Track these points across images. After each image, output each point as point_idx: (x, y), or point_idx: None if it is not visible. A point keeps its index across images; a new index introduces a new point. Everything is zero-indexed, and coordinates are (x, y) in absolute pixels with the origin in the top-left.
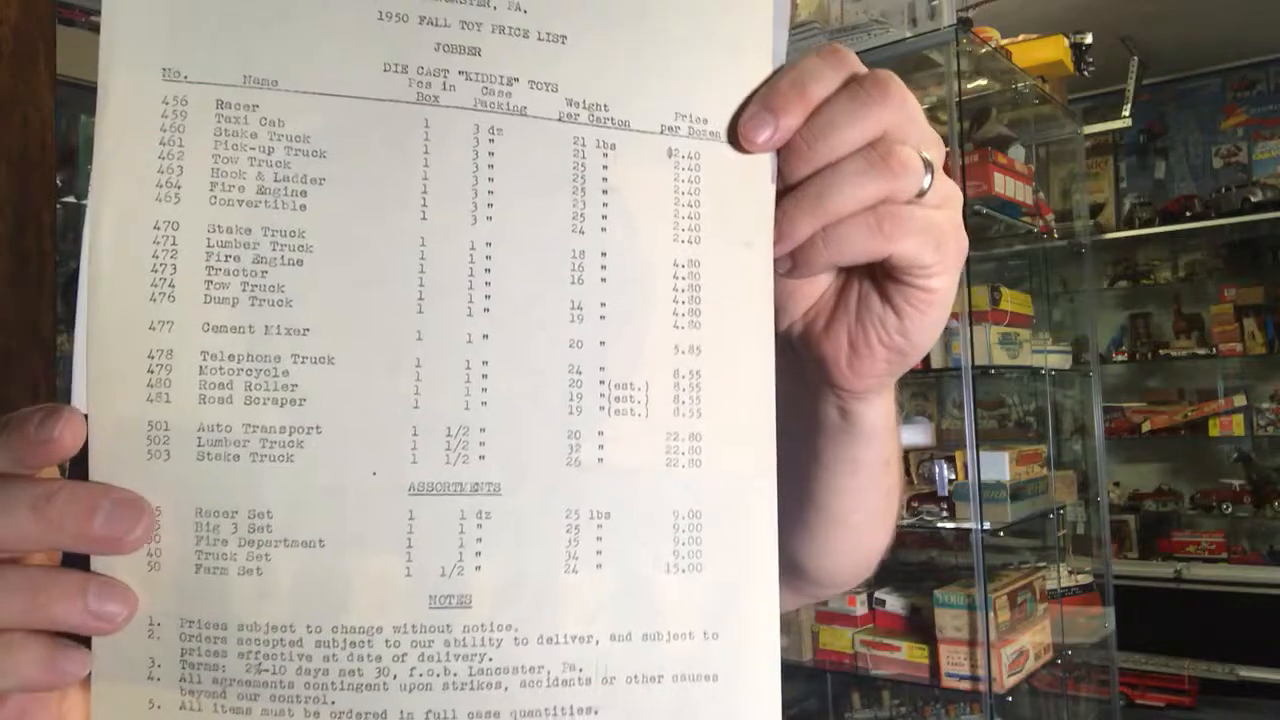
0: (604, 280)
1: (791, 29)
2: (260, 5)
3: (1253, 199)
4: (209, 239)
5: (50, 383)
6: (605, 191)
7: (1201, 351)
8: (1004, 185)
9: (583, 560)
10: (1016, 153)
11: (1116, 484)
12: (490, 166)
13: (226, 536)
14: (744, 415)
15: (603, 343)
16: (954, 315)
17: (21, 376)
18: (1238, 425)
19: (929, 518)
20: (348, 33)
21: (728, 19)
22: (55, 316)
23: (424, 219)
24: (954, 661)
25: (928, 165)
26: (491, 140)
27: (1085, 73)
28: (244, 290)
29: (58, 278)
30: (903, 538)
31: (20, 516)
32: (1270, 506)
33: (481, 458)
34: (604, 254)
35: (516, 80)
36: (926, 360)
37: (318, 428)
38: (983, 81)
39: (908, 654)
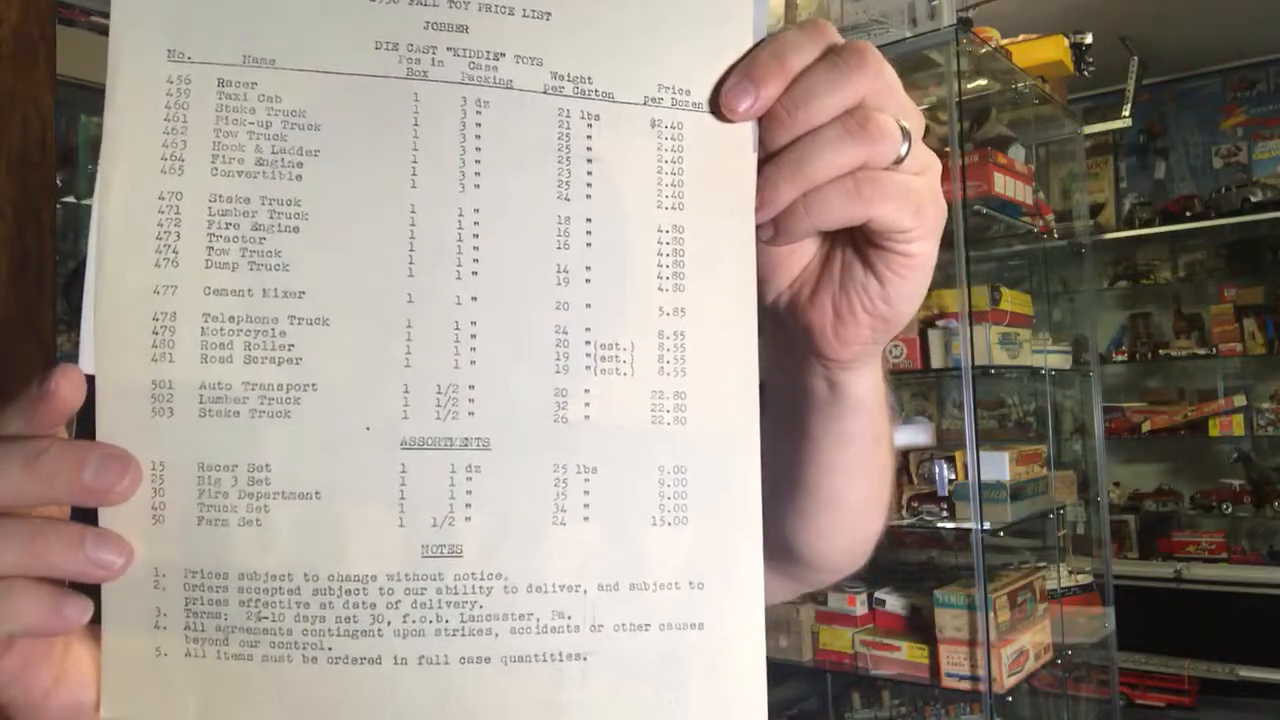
0: (589, 245)
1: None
2: None
3: (1253, 199)
4: (210, 208)
5: None
6: (590, 160)
7: (1201, 351)
8: (1004, 185)
9: (570, 513)
10: (1016, 153)
11: (1116, 484)
12: (478, 137)
13: (227, 489)
14: (727, 374)
15: (588, 305)
16: (954, 315)
17: (21, 376)
18: (1238, 425)
19: (929, 518)
20: (341, 14)
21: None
22: (55, 316)
23: (414, 188)
24: (954, 661)
25: (905, 133)
26: (479, 112)
27: (1085, 73)
28: (243, 256)
29: (58, 277)
30: (903, 538)
31: (14, 472)
32: (1270, 506)
33: (471, 414)
34: (589, 220)
35: (503, 55)
36: (926, 360)
37: (314, 385)
38: (983, 81)
39: (908, 654)
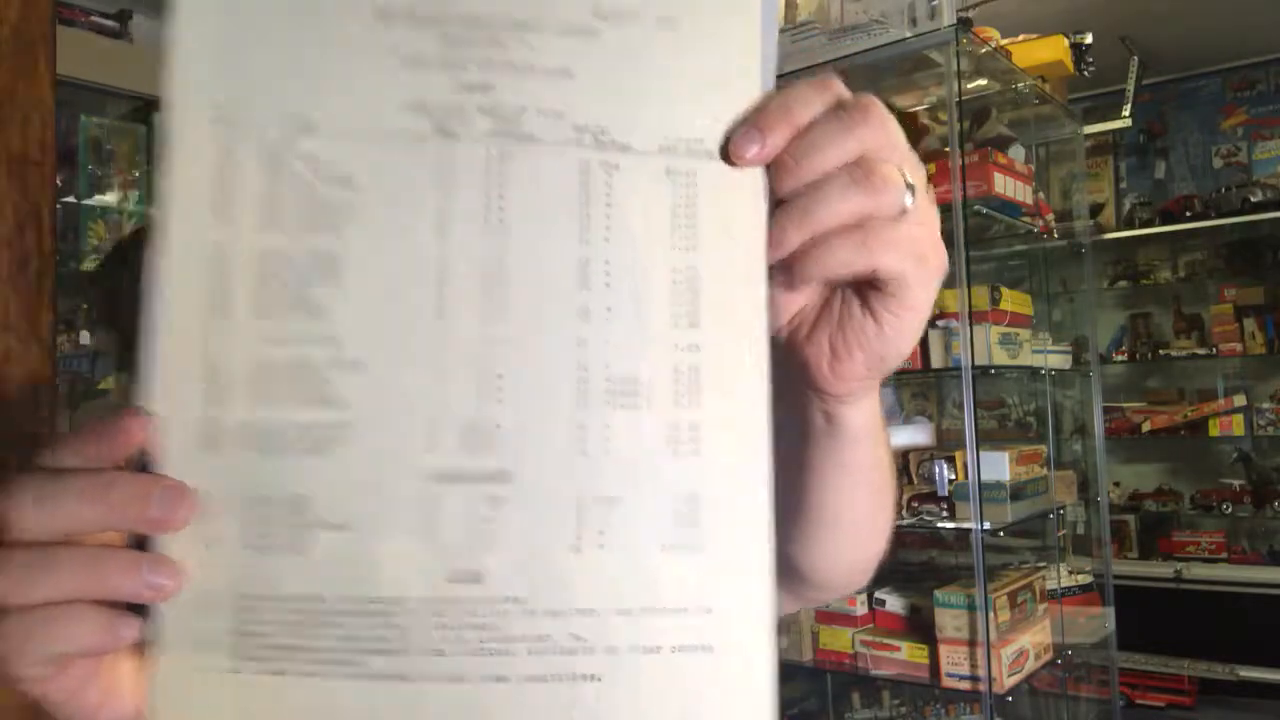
0: (608, 285)
1: (792, 29)
2: (300, 57)
3: (1253, 199)
4: (257, 260)
5: (50, 382)
6: (609, 206)
7: (1201, 351)
8: (1004, 185)
9: (588, 541)
10: (1016, 153)
11: (1116, 484)
12: (501, 188)
13: (273, 520)
14: (740, 406)
15: (607, 342)
16: (954, 315)
17: (21, 376)
18: (1238, 425)
19: (929, 518)
20: (376, 78)
21: (720, 52)
22: (55, 316)
23: (442, 237)
24: (954, 661)
25: (910, 186)
26: (503, 165)
27: (1085, 73)
28: (288, 305)
29: (59, 278)
30: (903, 538)
31: (87, 503)
32: (1270, 506)
33: (496, 449)
34: (607, 262)
35: (525, 110)
36: (926, 360)
37: (352, 424)
38: (983, 81)
39: (908, 654)
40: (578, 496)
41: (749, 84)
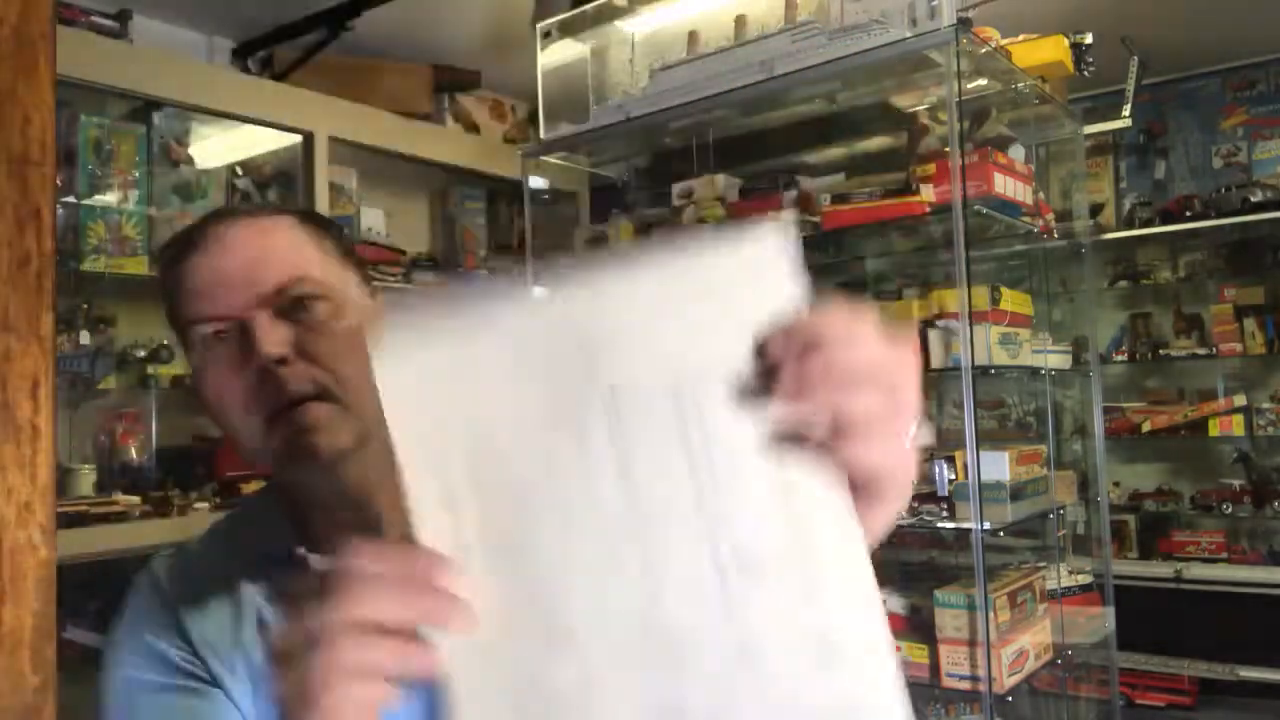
0: (719, 496)
1: (792, 29)
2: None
3: (1253, 199)
4: (479, 533)
5: (50, 382)
6: (706, 433)
7: (1201, 351)
8: (1004, 185)
9: (745, 683)
10: (1016, 153)
11: (1116, 484)
12: (621, 436)
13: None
14: (846, 571)
15: (733, 544)
16: (954, 315)
17: (21, 376)
18: (1238, 425)
19: (929, 518)
20: (535, 389)
21: (768, 303)
22: (55, 316)
23: (587, 486)
24: (954, 661)
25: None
26: (619, 419)
27: (1085, 73)
28: (496, 560)
29: (59, 278)
30: (903, 538)
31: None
32: (1270, 506)
33: (665, 637)
34: (713, 478)
35: (635, 366)
36: (926, 360)
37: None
38: (983, 81)
39: (908, 654)
40: (729, 654)
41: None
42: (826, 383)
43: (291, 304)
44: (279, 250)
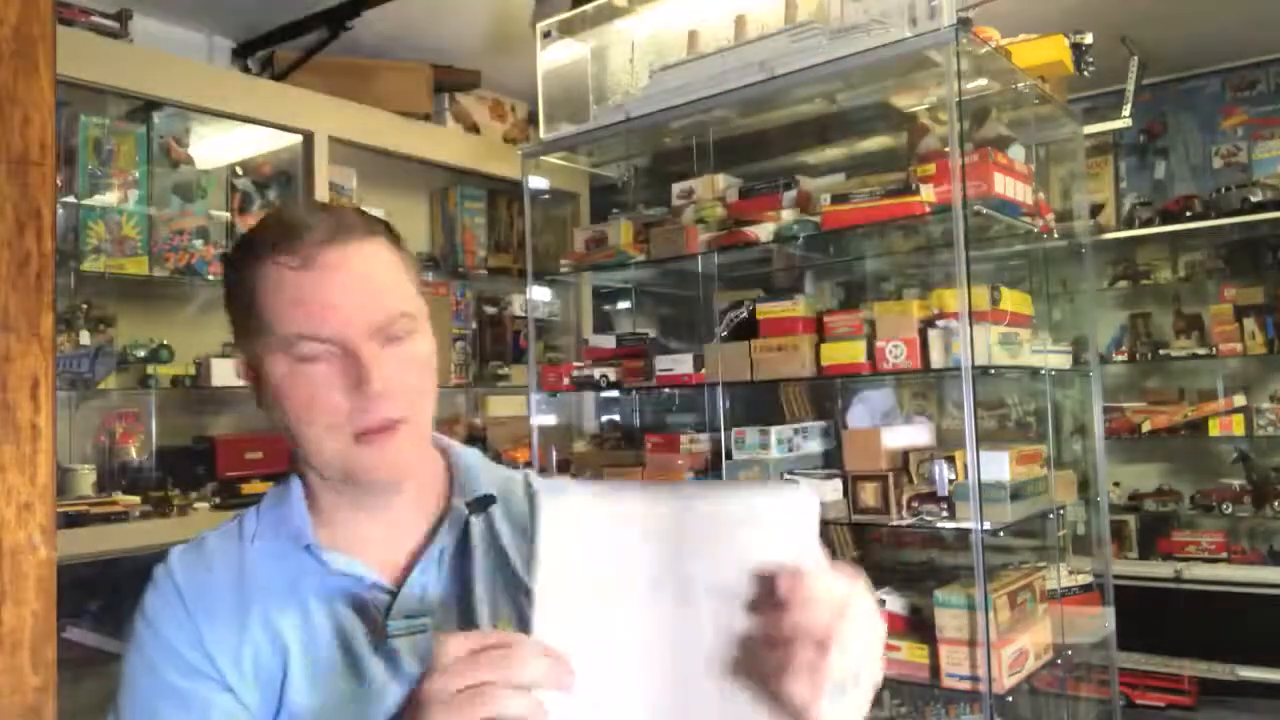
0: None
1: (792, 29)
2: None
3: (1253, 199)
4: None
5: (50, 382)
6: (719, 622)
7: (1201, 351)
8: (1004, 185)
9: None
10: (1016, 153)
11: (1116, 484)
12: (684, 601)
13: None
14: None
15: None
16: (954, 315)
17: (21, 376)
18: (1238, 425)
19: (929, 518)
20: (642, 571)
21: (787, 548)
22: (55, 316)
23: (654, 621)
24: (954, 661)
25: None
26: (685, 593)
27: (1085, 73)
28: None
29: (58, 277)
30: (902, 538)
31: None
32: (1270, 506)
33: None
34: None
35: (699, 567)
36: (926, 360)
37: None
38: (983, 81)
39: (908, 654)
40: None
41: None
42: (792, 630)
43: (392, 335)
44: (386, 281)
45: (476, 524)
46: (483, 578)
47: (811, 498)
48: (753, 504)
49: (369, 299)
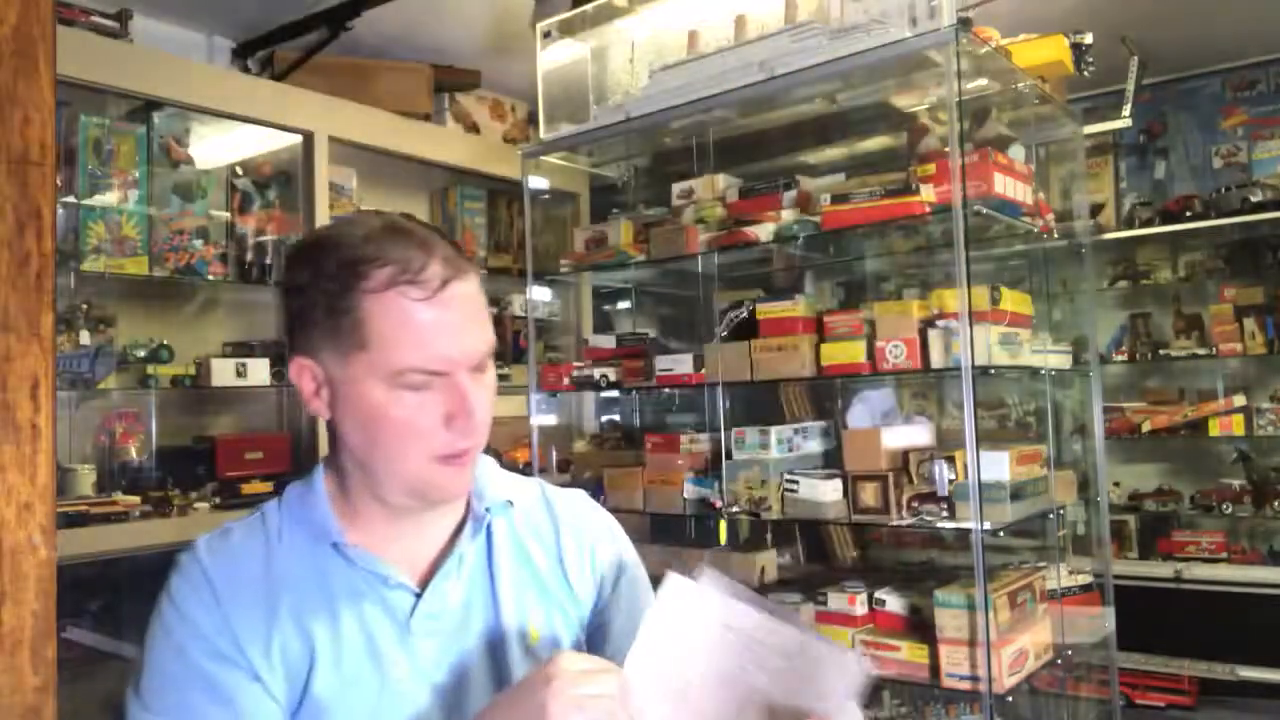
0: None
1: (792, 29)
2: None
3: (1253, 199)
4: None
5: (50, 383)
6: None
7: (1201, 351)
8: (1004, 185)
9: None
10: (1016, 153)
11: (1116, 484)
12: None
13: None
14: None
15: None
16: (954, 315)
17: (21, 376)
18: (1238, 425)
19: (929, 518)
20: (714, 671)
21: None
22: (55, 316)
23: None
24: (954, 661)
25: None
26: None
27: (1085, 73)
28: None
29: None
30: (902, 538)
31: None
32: (1270, 506)
33: None
34: None
35: (768, 685)
36: (926, 360)
37: None
38: (983, 81)
39: (908, 654)
40: None
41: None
42: None
43: (481, 365)
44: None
45: (500, 528)
46: (508, 582)
47: (864, 666)
48: (827, 654)
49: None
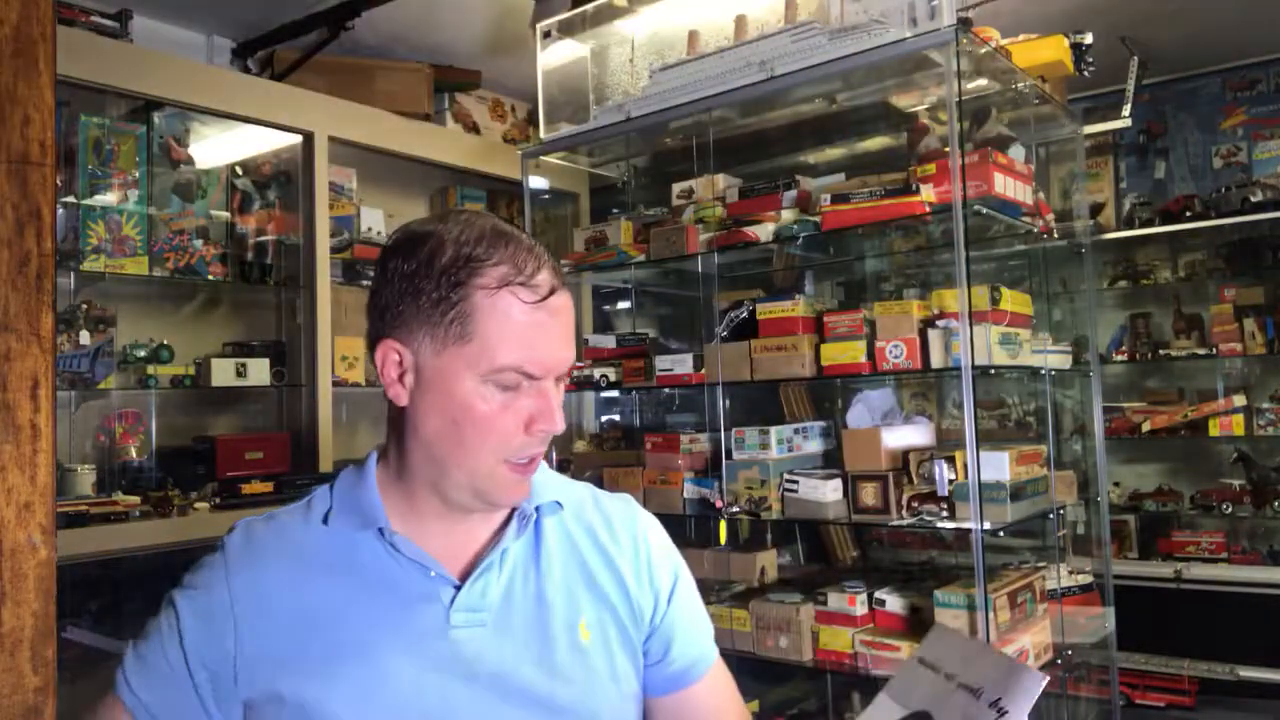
0: None
1: (792, 29)
2: None
3: (1253, 199)
4: None
5: (50, 383)
6: None
7: (1201, 351)
8: (1004, 185)
9: None
10: (1016, 153)
11: (1116, 484)
12: None
13: None
14: None
15: None
16: (954, 315)
17: (21, 376)
18: (1238, 425)
19: (929, 518)
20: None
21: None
22: (55, 316)
23: None
24: None
25: None
26: None
27: (1085, 73)
28: None
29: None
30: (903, 538)
31: None
32: (1270, 506)
33: None
34: None
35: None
36: (926, 360)
37: None
38: (983, 81)
39: (908, 654)
40: None
41: None
42: None
43: (563, 378)
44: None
45: (550, 527)
46: (559, 579)
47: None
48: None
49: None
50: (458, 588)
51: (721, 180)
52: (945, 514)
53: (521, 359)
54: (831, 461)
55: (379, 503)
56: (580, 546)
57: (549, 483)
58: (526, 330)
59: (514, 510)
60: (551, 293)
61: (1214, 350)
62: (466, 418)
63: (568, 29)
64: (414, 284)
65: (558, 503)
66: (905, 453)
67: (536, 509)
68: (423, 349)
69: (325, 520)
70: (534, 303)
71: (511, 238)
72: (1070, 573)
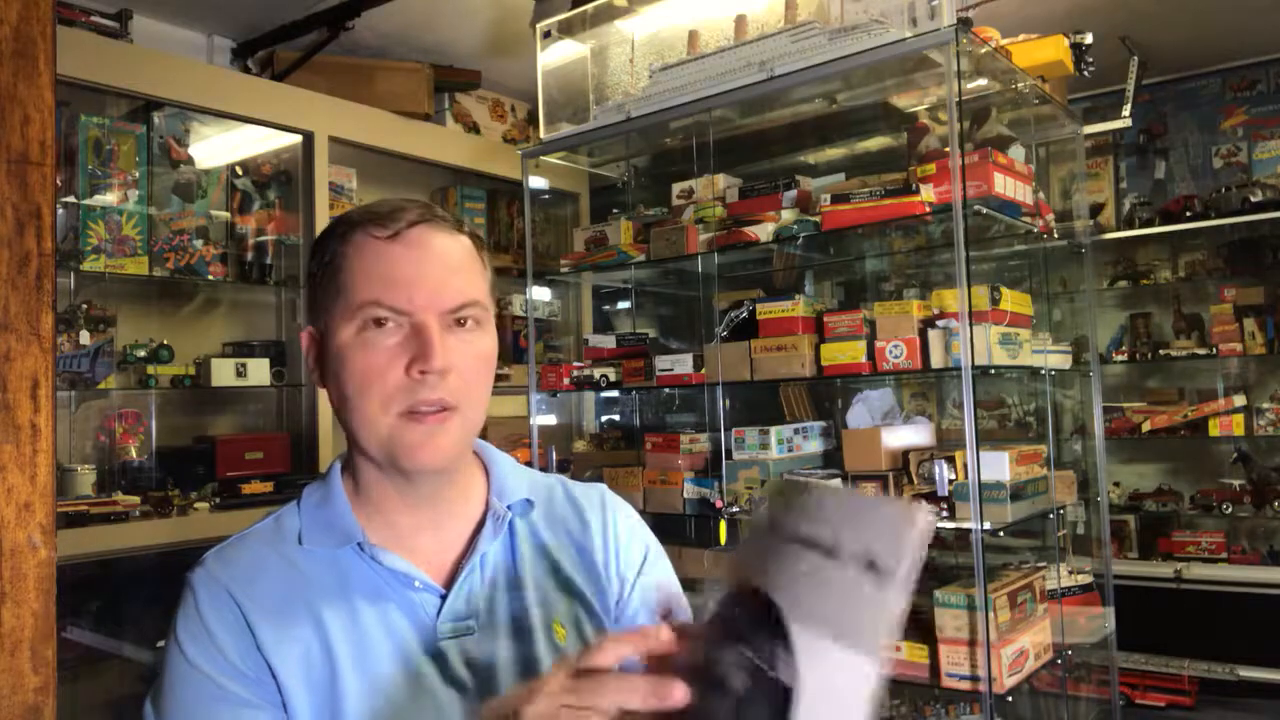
0: None
1: (792, 29)
2: None
3: (1253, 199)
4: None
5: (50, 383)
6: None
7: (1201, 351)
8: (1004, 185)
9: None
10: (1016, 153)
11: (1116, 484)
12: None
13: None
14: None
15: None
16: (954, 315)
17: (21, 376)
18: (1238, 425)
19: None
20: None
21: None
22: (55, 316)
23: None
24: (954, 661)
25: None
26: None
27: (1085, 73)
28: None
29: (58, 277)
30: None
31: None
32: (1270, 506)
33: None
34: None
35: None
36: (926, 360)
37: None
38: (983, 81)
39: (908, 654)
40: None
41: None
42: None
43: (457, 320)
44: (463, 267)
45: (522, 527)
46: (532, 581)
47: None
48: None
49: (445, 279)
50: (443, 596)
51: (721, 180)
52: (945, 514)
53: (376, 291)
54: (832, 462)
55: (352, 517)
56: (552, 544)
57: (518, 480)
58: (380, 262)
59: (487, 510)
60: (411, 225)
61: (1214, 350)
62: (349, 370)
63: (568, 29)
64: (311, 270)
65: (529, 500)
66: (905, 453)
67: (509, 508)
68: (319, 319)
69: (300, 540)
70: (387, 236)
71: (387, 200)
72: (1070, 573)
